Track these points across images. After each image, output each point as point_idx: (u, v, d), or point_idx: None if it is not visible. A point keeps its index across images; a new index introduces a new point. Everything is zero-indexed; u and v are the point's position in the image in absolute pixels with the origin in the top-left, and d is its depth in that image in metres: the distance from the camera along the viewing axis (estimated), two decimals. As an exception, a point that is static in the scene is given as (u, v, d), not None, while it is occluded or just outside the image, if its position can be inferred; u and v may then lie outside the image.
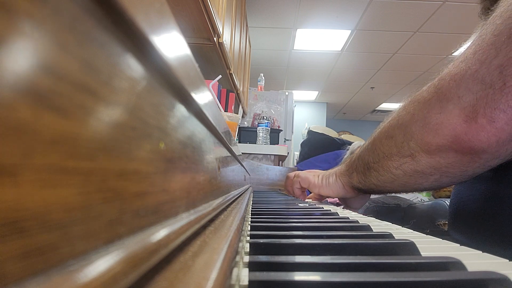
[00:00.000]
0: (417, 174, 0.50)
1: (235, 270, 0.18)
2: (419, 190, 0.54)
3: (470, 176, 0.47)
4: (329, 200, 1.36)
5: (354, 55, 3.76)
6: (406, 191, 0.57)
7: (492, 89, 0.38)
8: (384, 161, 0.54)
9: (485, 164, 0.44)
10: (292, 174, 0.87)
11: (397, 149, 0.51)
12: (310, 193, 0.85)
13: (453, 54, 3.55)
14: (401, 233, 0.37)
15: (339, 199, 0.77)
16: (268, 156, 1.95)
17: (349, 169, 0.66)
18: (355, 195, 0.69)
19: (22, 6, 0.07)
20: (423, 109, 0.46)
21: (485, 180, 0.51)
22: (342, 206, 0.79)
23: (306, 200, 0.85)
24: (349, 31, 3.20)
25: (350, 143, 2.01)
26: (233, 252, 0.19)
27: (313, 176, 0.76)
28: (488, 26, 0.40)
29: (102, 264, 0.09)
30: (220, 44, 1.45)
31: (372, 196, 1.22)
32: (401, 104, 0.53)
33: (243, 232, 0.30)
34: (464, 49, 0.43)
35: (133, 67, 0.12)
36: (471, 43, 0.43)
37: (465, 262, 0.22)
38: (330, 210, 0.58)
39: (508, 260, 0.25)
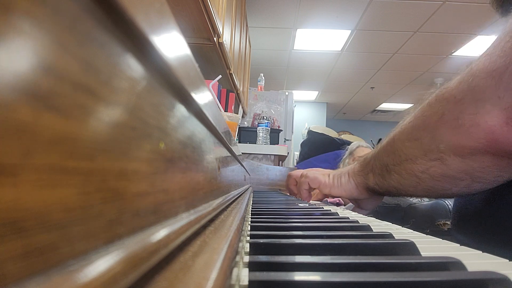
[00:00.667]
0: (445, 179, 0.46)
1: (235, 270, 0.18)
2: (446, 196, 0.51)
3: (504, 181, 0.43)
4: (329, 200, 1.36)
5: (354, 55, 3.75)
6: (430, 197, 0.54)
7: None
8: (406, 164, 0.50)
9: None
10: (294, 173, 0.82)
11: (424, 152, 0.47)
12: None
13: (453, 54, 3.55)
14: (401, 233, 0.37)
15: (351, 200, 0.74)
16: (268, 156, 1.95)
17: (364, 169, 0.62)
18: (369, 196, 0.65)
19: (22, 6, 0.07)
20: (454, 109, 0.42)
21: None
22: (343, 207, 0.79)
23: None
24: (349, 31, 3.20)
25: (350, 143, 2.01)
26: (233, 252, 0.19)
27: (322, 175, 0.72)
28: None
29: (102, 264, 0.09)
30: (220, 44, 1.45)
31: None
32: (424, 102, 0.48)
33: (243, 232, 0.30)
34: (500, 38, 0.39)
35: (133, 67, 0.12)
36: (505, 34, 0.39)
37: (465, 262, 0.22)
38: (330, 210, 0.58)
39: (508, 260, 0.25)
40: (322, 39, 3.39)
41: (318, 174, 0.73)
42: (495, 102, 0.38)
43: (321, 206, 0.69)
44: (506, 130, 0.38)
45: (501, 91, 0.38)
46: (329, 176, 0.71)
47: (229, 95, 2.05)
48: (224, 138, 0.38)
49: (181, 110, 0.19)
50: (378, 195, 0.63)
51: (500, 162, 0.41)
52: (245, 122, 2.67)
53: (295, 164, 3.26)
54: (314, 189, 0.78)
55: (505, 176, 0.42)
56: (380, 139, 0.75)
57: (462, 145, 0.42)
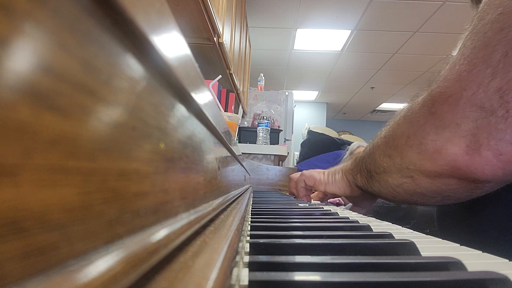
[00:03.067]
0: (417, 195, 0.47)
1: (235, 270, 0.18)
2: (423, 205, 0.52)
3: (477, 196, 0.43)
4: (329, 200, 1.36)
5: (354, 55, 3.75)
6: (409, 204, 0.55)
7: (495, 117, 0.34)
8: (384, 175, 0.51)
9: (492, 188, 0.40)
10: (294, 175, 0.85)
11: (396, 169, 0.48)
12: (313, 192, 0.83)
13: (453, 54, 3.54)
14: (401, 233, 0.37)
15: (348, 198, 0.74)
16: (268, 156, 1.95)
17: (354, 168, 0.63)
18: (361, 194, 0.65)
19: (22, 6, 0.07)
20: (418, 133, 0.43)
21: None
22: (343, 207, 0.79)
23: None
24: (349, 31, 3.20)
25: (350, 143, 2.01)
26: (233, 252, 0.19)
27: (318, 173, 0.73)
28: (479, 37, 0.36)
29: (102, 264, 0.09)
30: (220, 44, 1.45)
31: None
32: (396, 117, 0.49)
33: (243, 232, 0.30)
34: (456, 59, 0.39)
35: (133, 67, 0.12)
36: (460, 56, 0.38)
37: (465, 262, 0.22)
38: (330, 210, 0.58)
39: (508, 260, 0.25)
40: (322, 39, 3.39)
41: (314, 172, 0.74)
42: (454, 130, 0.38)
43: (321, 206, 0.69)
44: (467, 159, 0.38)
45: (459, 118, 0.37)
46: (324, 173, 0.72)
47: (229, 95, 2.05)
48: (224, 138, 0.38)
49: (181, 110, 0.19)
50: (367, 194, 0.64)
51: (468, 185, 0.41)
52: (245, 122, 2.66)
53: (295, 164, 3.26)
54: (314, 191, 0.78)
55: (474, 194, 0.42)
56: None
57: (427, 169, 0.43)
